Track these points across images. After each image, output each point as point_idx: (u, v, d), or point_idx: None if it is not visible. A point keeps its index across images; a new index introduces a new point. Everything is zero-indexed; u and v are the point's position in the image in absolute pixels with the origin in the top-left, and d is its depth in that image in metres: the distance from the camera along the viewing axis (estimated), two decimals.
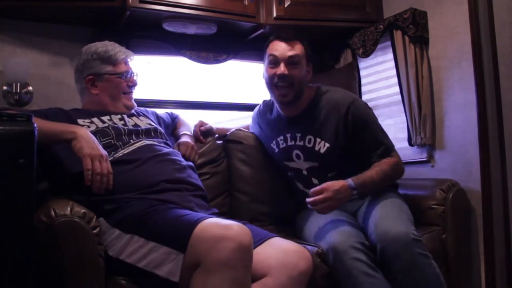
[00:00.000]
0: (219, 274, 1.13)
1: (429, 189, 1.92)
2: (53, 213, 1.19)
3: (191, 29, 2.23)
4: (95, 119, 1.62)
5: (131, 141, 1.59)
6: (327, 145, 1.71)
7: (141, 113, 1.82)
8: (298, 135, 1.76)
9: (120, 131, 1.61)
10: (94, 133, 1.54)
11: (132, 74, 1.76)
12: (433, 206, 1.86)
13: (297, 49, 1.69)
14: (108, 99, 1.70)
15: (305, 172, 1.79)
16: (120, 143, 1.57)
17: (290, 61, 1.68)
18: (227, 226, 1.19)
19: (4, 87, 2.03)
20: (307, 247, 1.51)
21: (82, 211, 1.24)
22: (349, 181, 1.56)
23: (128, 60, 1.75)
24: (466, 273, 1.91)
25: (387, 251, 1.45)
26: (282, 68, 1.67)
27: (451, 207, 1.85)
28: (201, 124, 2.05)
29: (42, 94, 2.12)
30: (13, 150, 1.04)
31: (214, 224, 1.20)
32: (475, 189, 1.96)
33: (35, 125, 1.09)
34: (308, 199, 1.53)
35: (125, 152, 1.54)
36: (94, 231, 1.24)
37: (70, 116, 1.60)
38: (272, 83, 1.70)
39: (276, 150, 1.86)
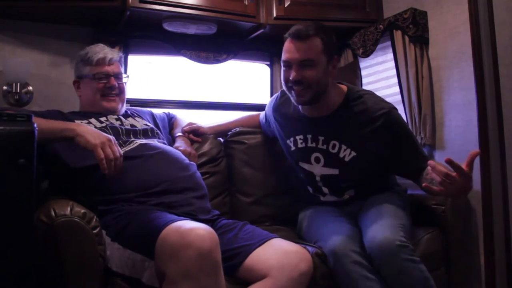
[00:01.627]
0: (181, 286, 1.10)
1: None
2: (53, 213, 1.19)
3: (191, 29, 2.23)
4: (92, 120, 1.63)
5: (129, 140, 1.59)
6: (354, 153, 1.62)
7: (136, 114, 1.82)
8: (321, 138, 1.66)
9: (117, 130, 1.61)
10: None
11: (117, 77, 1.72)
12: (433, 206, 1.86)
13: (312, 49, 1.56)
14: (87, 101, 1.72)
15: (318, 178, 1.72)
16: (120, 141, 1.56)
17: (303, 64, 1.56)
18: (185, 231, 1.13)
19: (4, 87, 2.04)
20: (307, 247, 1.51)
21: (82, 211, 1.24)
22: None
23: (108, 60, 1.70)
24: (466, 273, 1.91)
25: (375, 258, 1.45)
26: (294, 73, 1.57)
27: (451, 207, 1.84)
28: (188, 127, 2.01)
29: (42, 94, 2.13)
30: (13, 150, 1.04)
31: (173, 231, 1.15)
32: (475, 189, 1.95)
33: (35, 125, 1.09)
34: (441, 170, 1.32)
35: (126, 150, 1.54)
36: (94, 231, 1.24)
37: (68, 118, 1.60)
38: (287, 86, 1.62)
39: (293, 148, 1.75)
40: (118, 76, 1.73)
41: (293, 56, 1.57)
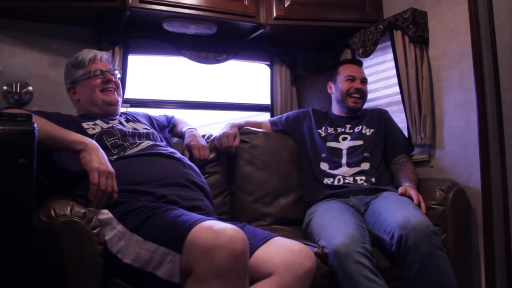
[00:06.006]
0: (211, 285, 1.10)
1: (429, 189, 1.92)
2: (53, 213, 1.19)
3: (191, 29, 2.23)
4: (98, 121, 1.64)
5: (137, 141, 1.61)
6: (372, 130, 2.12)
7: (135, 118, 1.84)
8: (348, 125, 2.17)
9: (124, 132, 1.63)
10: (100, 134, 1.56)
11: (109, 71, 1.75)
12: (433, 206, 1.86)
13: (364, 73, 2.25)
14: (87, 102, 1.72)
15: (344, 152, 2.07)
16: (127, 143, 1.58)
17: (362, 81, 2.20)
18: (219, 231, 1.14)
19: (4, 87, 2.04)
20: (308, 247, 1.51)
21: (82, 211, 1.24)
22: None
23: (100, 58, 1.75)
24: (466, 273, 1.91)
25: (407, 240, 1.50)
26: (359, 84, 2.17)
27: (451, 207, 1.85)
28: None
29: (42, 94, 2.13)
30: (13, 150, 1.04)
31: (206, 229, 1.15)
32: (475, 189, 1.96)
33: (35, 125, 1.09)
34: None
35: (135, 151, 1.56)
36: (94, 231, 1.24)
37: (76, 121, 1.61)
38: (347, 93, 2.17)
39: (324, 134, 2.16)
40: (111, 72, 1.76)
41: (358, 74, 2.20)
